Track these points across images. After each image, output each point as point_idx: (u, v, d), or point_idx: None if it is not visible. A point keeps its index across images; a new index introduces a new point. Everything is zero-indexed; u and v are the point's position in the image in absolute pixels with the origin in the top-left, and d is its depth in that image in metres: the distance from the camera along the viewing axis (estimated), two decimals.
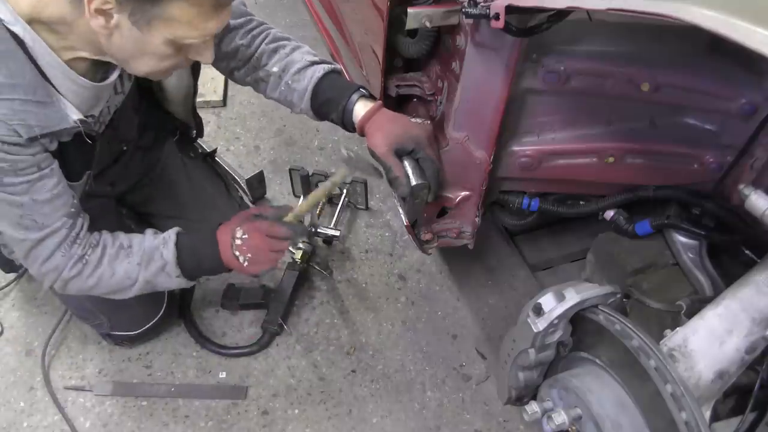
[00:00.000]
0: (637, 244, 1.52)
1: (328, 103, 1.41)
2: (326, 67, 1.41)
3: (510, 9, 1.01)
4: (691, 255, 1.46)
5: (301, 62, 1.41)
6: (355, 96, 1.38)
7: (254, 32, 1.45)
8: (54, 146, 1.18)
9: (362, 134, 1.37)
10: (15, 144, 1.11)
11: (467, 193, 1.52)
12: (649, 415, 1.03)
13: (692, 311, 1.19)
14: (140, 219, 1.87)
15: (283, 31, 1.50)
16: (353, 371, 1.82)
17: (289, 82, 1.43)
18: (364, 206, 2.18)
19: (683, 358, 1.08)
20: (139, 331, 1.76)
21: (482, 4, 1.07)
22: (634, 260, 1.50)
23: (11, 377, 1.77)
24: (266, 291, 1.92)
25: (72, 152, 1.23)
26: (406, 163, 1.32)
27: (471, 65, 1.26)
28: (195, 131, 1.82)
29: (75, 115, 1.17)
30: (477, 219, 1.57)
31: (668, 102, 1.34)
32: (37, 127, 1.12)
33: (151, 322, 1.76)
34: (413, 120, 1.40)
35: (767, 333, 1.07)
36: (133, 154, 1.64)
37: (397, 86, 1.49)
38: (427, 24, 1.23)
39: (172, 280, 1.39)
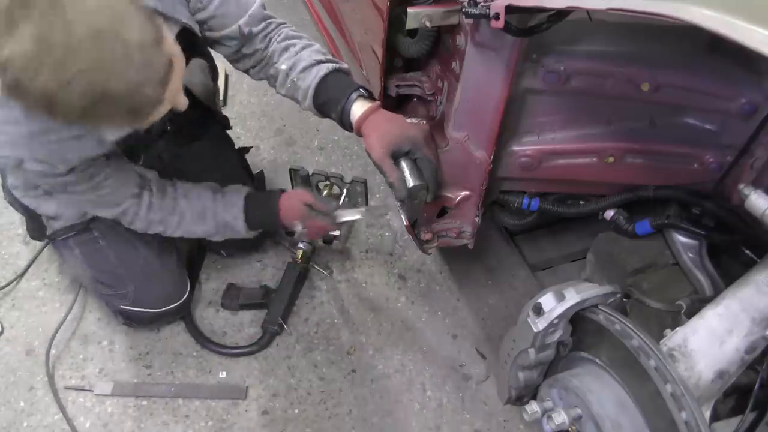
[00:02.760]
0: (637, 244, 1.52)
1: (328, 102, 1.42)
2: (330, 66, 1.42)
3: (510, 9, 1.01)
4: (691, 255, 1.46)
5: (307, 60, 1.43)
6: (354, 95, 1.39)
7: (271, 34, 1.48)
8: (103, 152, 1.29)
9: (359, 134, 1.38)
10: (59, 175, 1.26)
11: (467, 193, 1.52)
12: (649, 415, 1.03)
13: (692, 311, 1.19)
14: None
15: (297, 30, 1.53)
16: (353, 371, 1.82)
17: (295, 79, 1.45)
18: (364, 206, 2.17)
19: (683, 358, 1.08)
20: (159, 310, 1.76)
21: (482, 4, 1.07)
22: (634, 260, 1.50)
23: (11, 377, 1.77)
24: (266, 291, 1.92)
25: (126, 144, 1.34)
26: (403, 164, 1.32)
27: (471, 65, 1.26)
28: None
29: (111, 137, 1.25)
30: (477, 219, 1.57)
31: (668, 102, 1.34)
32: (74, 158, 1.24)
33: (173, 305, 1.78)
34: (410, 120, 1.40)
35: (767, 333, 1.07)
36: (178, 131, 1.74)
37: (397, 86, 1.50)
38: (427, 24, 1.23)
39: (238, 236, 1.65)
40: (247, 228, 1.61)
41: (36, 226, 1.70)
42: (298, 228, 1.62)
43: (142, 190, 1.47)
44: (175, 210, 1.53)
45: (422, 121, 1.41)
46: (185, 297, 1.80)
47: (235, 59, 1.51)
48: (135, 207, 1.47)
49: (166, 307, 1.77)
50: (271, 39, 1.48)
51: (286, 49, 1.46)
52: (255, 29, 1.44)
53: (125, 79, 0.98)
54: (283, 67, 1.46)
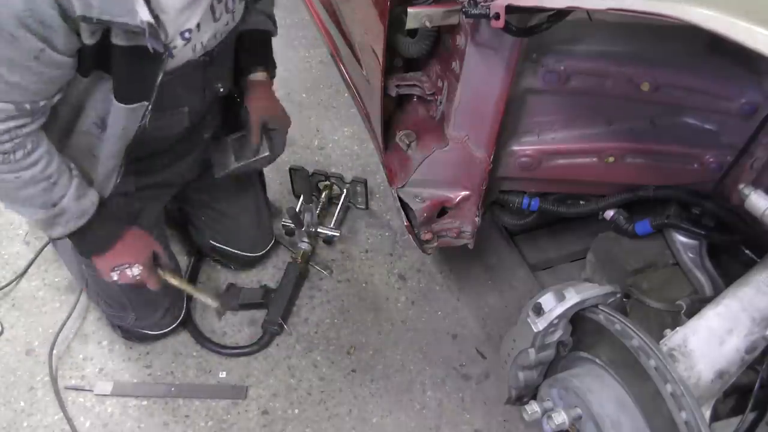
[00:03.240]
0: (637, 244, 1.52)
1: (249, 50, 1.57)
2: (270, 27, 1.57)
3: (510, 9, 1.01)
4: (691, 255, 1.46)
5: (263, 5, 1.54)
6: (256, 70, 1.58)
7: None
8: (93, 40, 1.05)
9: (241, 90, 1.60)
10: (41, 24, 0.97)
11: (467, 192, 1.52)
12: (649, 415, 1.03)
13: (692, 311, 1.19)
14: (173, 202, 1.87)
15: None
16: (353, 371, 1.82)
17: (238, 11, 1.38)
18: (364, 206, 2.17)
19: (683, 357, 1.08)
20: (158, 332, 1.79)
21: (482, 3, 1.07)
22: (634, 260, 1.50)
23: (11, 377, 1.77)
24: (266, 291, 1.92)
25: (132, 65, 1.12)
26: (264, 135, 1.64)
27: (471, 65, 1.26)
28: None
29: (145, 17, 1.03)
30: (477, 219, 1.57)
31: (668, 102, 1.34)
32: (96, 7, 0.98)
33: (171, 327, 1.80)
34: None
35: (767, 333, 1.08)
36: (209, 147, 1.69)
37: (397, 86, 1.49)
38: (427, 24, 1.23)
39: (48, 232, 1.36)
40: (74, 227, 1.34)
41: None
42: (133, 271, 1.45)
43: (33, 107, 1.13)
44: (32, 153, 1.19)
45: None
46: (182, 315, 1.82)
47: None
48: (5, 120, 1.11)
49: (164, 330, 1.79)
50: None
51: None
52: None
53: None
54: None
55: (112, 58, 1.10)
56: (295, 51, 2.73)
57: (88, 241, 1.39)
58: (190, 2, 1.15)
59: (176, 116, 1.43)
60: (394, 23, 1.31)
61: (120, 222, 1.44)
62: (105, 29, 1.06)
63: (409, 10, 1.22)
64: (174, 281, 1.57)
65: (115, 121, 1.25)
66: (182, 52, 1.23)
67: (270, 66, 1.64)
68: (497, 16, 1.03)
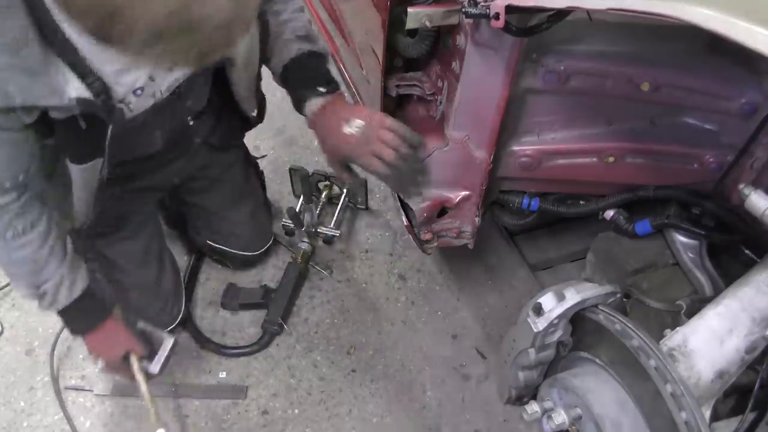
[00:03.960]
0: (637, 244, 1.52)
1: (293, 88, 1.39)
2: (304, 47, 1.35)
3: (510, 9, 1.01)
4: (691, 255, 1.46)
5: (288, 34, 1.37)
6: (312, 96, 1.35)
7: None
8: (31, 120, 1.02)
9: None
10: None
11: (467, 192, 1.52)
12: (649, 415, 1.03)
13: (692, 311, 1.19)
14: (171, 202, 1.88)
15: None
16: (353, 371, 1.82)
17: (273, 51, 1.39)
18: (364, 206, 2.18)
19: (683, 357, 1.08)
20: None
21: (482, 3, 1.07)
22: (634, 260, 1.50)
23: (11, 377, 1.77)
24: (266, 291, 1.92)
25: (74, 131, 1.08)
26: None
27: (471, 65, 1.26)
28: (255, 115, 1.68)
29: (75, 93, 1.00)
30: (477, 219, 1.57)
31: (668, 102, 1.34)
32: (17, 97, 0.96)
33: (168, 328, 1.78)
34: (349, 126, 1.29)
35: (767, 333, 1.07)
36: (201, 151, 1.60)
37: (397, 86, 1.49)
38: (427, 24, 1.23)
39: (39, 304, 1.36)
40: (55, 309, 1.35)
41: None
42: (99, 364, 1.45)
43: (13, 184, 1.13)
44: (23, 234, 1.20)
45: (358, 123, 1.29)
46: (180, 317, 1.80)
47: None
48: None
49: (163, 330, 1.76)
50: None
51: (277, 12, 1.37)
52: None
53: (223, 8, 0.77)
54: (268, 32, 1.38)
55: (55, 128, 1.08)
56: None
57: (70, 320, 1.39)
58: (128, 66, 1.08)
59: (148, 139, 1.39)
60: (394, 23, 1.31)
61: (101, 313, 1.41)
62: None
63: (409, 10, 1.22)
64: (143, 389, 1.48)
65: (74, 174, 1.24)
66: (141, 102, 1.18)
67: (323, 83, 1.36)
68: (497, 16, 1.03)
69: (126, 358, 1.45)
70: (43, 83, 0.97)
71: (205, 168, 1.70)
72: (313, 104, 1.34)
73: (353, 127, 1.26)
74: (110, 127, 1.13)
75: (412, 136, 1.29)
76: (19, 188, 1.15)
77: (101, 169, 1.25)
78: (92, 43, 0.82)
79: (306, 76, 1.37)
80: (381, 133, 1.25)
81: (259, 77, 1.53)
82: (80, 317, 1.39)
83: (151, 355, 1.50)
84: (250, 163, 1.90)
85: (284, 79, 1.40)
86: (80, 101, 1.01)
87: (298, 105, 1.39)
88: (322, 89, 1.34)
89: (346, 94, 1.40)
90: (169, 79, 1.20)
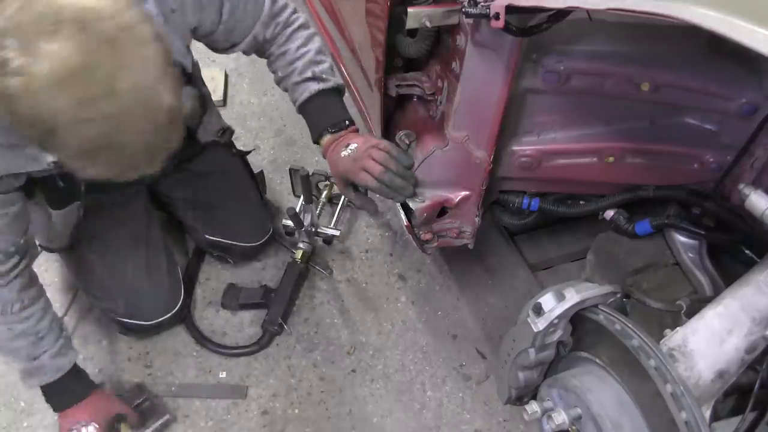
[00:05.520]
0: (637, 244, 1.52)
1: (308, 122, 1.48)
2: (317, 87, 1.43)
3: (510, 9, 1.01)
4: (691, 255, 1.46)
5: (298, 76, 1.45)
6: (325, 134, 1.44)
7: (277, 38, 1.46)
8: (19, 183, 1.18)
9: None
10: None
11: (467, 193, 1.52)
12: (649, 415, 1.03)
13: (692, 311, 1.19)
14: (161, 203, 1.90)
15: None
16: (353, 371, 1.82)
17: (287, 88, 1.49)
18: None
19: (683, 357, 1.08)
20: (152, 322, 1.76)
21: (482, 3, 1.07)
22: (634, 260, 1.50)
23: (11, 377, 1.77)
24: (266, 291, 1.92)
25: (52, 184, 1.24)
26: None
27: (471, 65, 1.26)
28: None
29: (52, 158, 1.11)
30: (477, 219, 1.57)
31: (668, 102, 1.34)
32: (2, 167, 1.12)
33: (166, 316, 1.76)
34: (345, 149, 1.40)
35: (767, 333, 1.07)
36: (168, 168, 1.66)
37: (397, 86, 1.49)
38: (427, 24, 1.23)
39: (24, 380, 1.48)
40: (48, 380, 1.47)
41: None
42: (88, 429, 1.51)
43: (23, 251, 1.30)
44: (25, 309, 1.36)
45: (352, 147, 1.39)
46: (178, 306, 1.79)
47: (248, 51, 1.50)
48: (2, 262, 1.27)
49: (159, 319, 1.76)
50: (274, 42, 1.46)
51: (282, 54, 1.46)
52: (264, 36, 1.43)
53: (144, 139, 0.92)
54: (279, 74, 1.48)
55: (36, 185, 1.24)
56: None
57: (57, 395, 1.50)
58: None
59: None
60: (394, 23, 1.31)
61: (89, 384, 1.54)
62: None
63: (409, 10, 1.22)
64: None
65: (54, 218, 1.41)
66: None
67: (332, 123, 1.45)
68: (497, 16, 1.03)
69: (114, 427, 1.54)
70: (22, 156, 1.12)
71: (185, 161, 1.75)
72: (325, 140, 1.45)
73: (348, 149, 1.38)
74: (83, 183, 1.30)
75: (400, 155, 1.37)
76: (20, 251, 1.30)
77: (78, 209, 1.42)
78: None
79: (318, 116, 1.46)
80: (371, 152, 1.36)
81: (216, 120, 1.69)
82: (72, 385, 1.49)
83: (144, 424, 1.62)
84: (235, 154, 1.93)
85: (302, 114, 1.49)
86: (56, 165, 1.13)
87: (314, 138, 1.48)
88: (332, 130, 1.44)
89: (358, 130, 1.48)
90: None
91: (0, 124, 1.02)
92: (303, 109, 1.47)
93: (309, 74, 1.44)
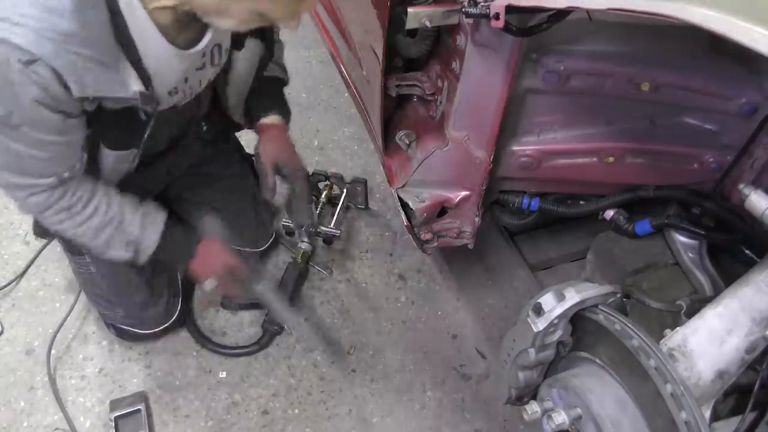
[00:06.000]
0: (637, 244, 1.53)
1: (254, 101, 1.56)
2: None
3: (510, 9, 1.01)
4: (691, 255, 1.46)
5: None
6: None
7: None
8: (93, 107, 1.14)
9: (255, 131, 1.59)
10: (55, 101, 1.06)
11: (467, 192, 1.52)
12: (649, 415, 1.03)
13: (692, 311, 1.19)
14: (169, 204, 1.87)
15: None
16: (353, 371, 1.82)
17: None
18: (364, 206, 2.18)
19: (683, 357, 1.08)
20: (149, 332, 1.78)
21: (482, 3, 1.07)
22: (634, 260, 1.50)
23: (11, 377, 1.77)
24: None
25: (114, 120, 1.20)
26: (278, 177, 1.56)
27: (471, 65, 1.26)
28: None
29: (136, 87, 1.13)
30: (477, 219, 1.57)
31: (668, 102, 1.34)
32: (91, 88, 1.08)
33: (162, 327, 1.78)
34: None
35: (767, 333, 1.07)
36: (194, 147, 1.65)
37: (397, 86, 1.49)
38: (427, 24, 1.23)
39: (135, 262, 1.44)
40: (153, 253, 1.43)
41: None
42: (208, 284, 1.48)
43: (72, 172, 1.25)
44: (89, 202, 1.31)
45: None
46: (176, 316, 1.80)
47: None
48: (54, 188, 1.24)
49: (157, 329, 1.77)
50: None
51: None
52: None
53: None
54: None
55: (104, 117, 1.18)
56: (295, 51, 2.73)
57: (170, 260, 1.51)
58: (177, 67, 1.22)
59: (160, 137, 1.45)
60: (394, 23, 1.31)
61: (193, 239, 1.48)
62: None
63: (409, 10, 1.22)
64: (259, 296, 1.53)
65: (104, 161, 1.33)
66: (169, 101, 1.30)
67: (284, 111, 1.60)
68: (497, 16, 1.03)
69: (231, 276, 1.48)
70: (113, 77, 1.10)
71: (199, 165, 1.73)
72: (270, 118, 1.56)
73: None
74: (153, 119, 1.25)
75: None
76: (76, 173, 1.26)
77: (133, 158, 1.36)
78: (156, 45, 1.10)
79: (270, 97, 1.58)
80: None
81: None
82: (177, 246, 1.46)
83: (253, 274, 1.54)
84: (245, 159, 1.91)
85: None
86: (141, 94, 1.14)
87: (253, 117, 1.57)
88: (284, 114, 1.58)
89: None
90: (195, 84, 1.33)
91: (101, 38, 1.04)
92: (261, 82, 1.55)
93: (281, 61, 1.60)
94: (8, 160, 1.18)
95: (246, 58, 1.47)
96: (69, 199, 1.27)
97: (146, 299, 1.71)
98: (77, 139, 1.21)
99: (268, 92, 1.59)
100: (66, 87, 1.05)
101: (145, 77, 1.14)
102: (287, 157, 1.56)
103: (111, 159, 1.33)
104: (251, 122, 1.60)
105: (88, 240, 1.36)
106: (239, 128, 1.77)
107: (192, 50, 1.20)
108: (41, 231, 1.65)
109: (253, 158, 1.81)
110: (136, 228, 1.39)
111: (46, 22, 0.98)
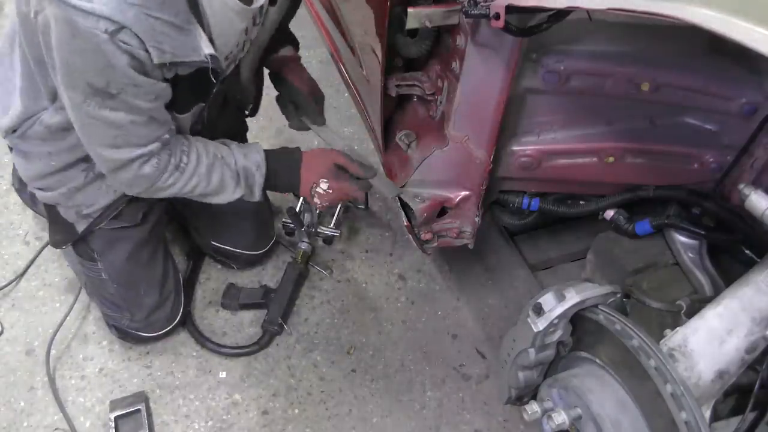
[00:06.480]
0: (637, 244, 1.53)
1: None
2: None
3: (510, 9, 1.01)
4: (691, 255, 1.46)
5: None
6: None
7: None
8: (171, 75, 1.17)
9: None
10: (143, 66, 1.10)
11: (467, 192, 1.52)
12: (649, 415, 1.03)
13: (692, 311, 1.19)
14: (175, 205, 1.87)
15: None
16: (353, 371, 1.82)
17: None
18: (364, 206, 2.18)
19: (683, 357, 1.08)
20: (153, 334, 1.78)
21: (482, 3, 1.07)
22: (634, 260, 1.50)
23: (11, 377, 1.77)
24: (266, 291, 1.92)
25: (187, 85, 1.23)
26: None
27: (471, 65, 1.26)
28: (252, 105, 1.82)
29: (207, 50, 1.16)
30: (477, 219, 1.57)
31: (668, 102, 1.34)
32: (169, 53, 1.10)
33: (167, 329, 1.78)
34: None
35: (767, 333, 1.08)
36: (219, 114, 1.64)
37: (397, 86, 1.49)
38: (428, 24, 1.23)
39: (251, 197, 1.49)
40: (265, 180, 1.47)
41: (61, 228, 1.58)
42: (321, 187, 1.48)
43: (170, 133, 1.31)
44: (190, 153, 1.36)
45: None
46: (180, 316, 1.80)
47: None
48: (160, 152, 1.29)
49: (162, 331, 1.78)
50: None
51: None
52: None
53: None
54: None
55: (177, 81, 1.21)
56: None
57: (279, 178, 1.50)
58: (238, 26, 1.26)
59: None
60: (394, 23, 1.31)
61: (294, 151, 1.52)
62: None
63: (409, 10, 1.22)
64: (377, 186, 1.53)
65: (177, 123, 1.36)
66: (226, 67, 1.35)
67: (295, 42, 1.69)
68: (497, 16, 1.03)
69: (339, 170, 1.50)
70: (188, 41, 1.13)
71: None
72: (289, 50, 1.63)
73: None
74: (219, 79, 1.28)
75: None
76: (172, 133, 1.31)
77: (202, 111, 1.42)
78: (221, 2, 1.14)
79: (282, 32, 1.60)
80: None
81: (262, 63, 1.65)
82: (282, 160, 1.49)
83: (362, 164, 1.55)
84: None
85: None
86: (212, 57, 1.17)
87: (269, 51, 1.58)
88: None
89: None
90: (241, 46, 1.35)
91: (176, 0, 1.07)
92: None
93: None
94: (114, 136, 1.21)
95: (271, 19, 1.46)
96: (175, 157, 1.32)
97: (155, 303, 1.72)
98: (165, 102, 1.24)
99: (278, 30, 1.58)
100: (147, 52, 1.08)
101: (211, 39, 1.17)
102: (314, 84, 1.67)
103: (180, 121, 1.36)
104: (265, 55, 1.62)
105: (203, 188, 1.39)
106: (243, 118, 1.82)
107: (253, 6, 1.23)
108: (63, 236, 1.61)
109: (278, 95, 1.79)
110: (240, 157, 1.43)
111: None
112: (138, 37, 1.05)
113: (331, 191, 1.49)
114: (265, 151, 1.48)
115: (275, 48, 1.63)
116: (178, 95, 1.25)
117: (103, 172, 1.35)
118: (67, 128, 1.32)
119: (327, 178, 1.48)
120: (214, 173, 1.39)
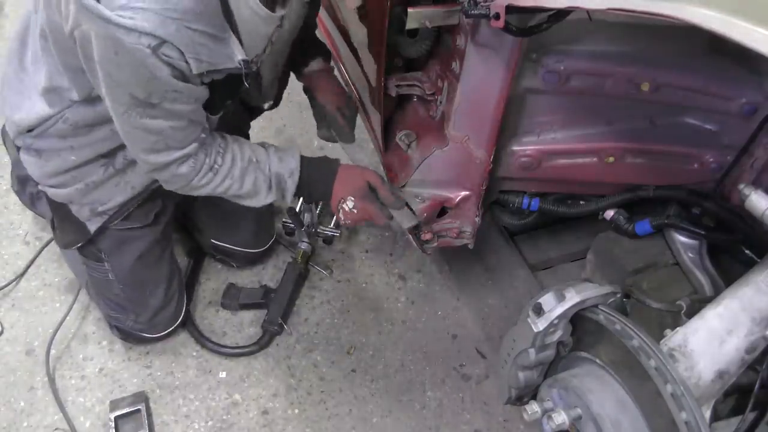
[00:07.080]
0: (637, 244, 1.53)
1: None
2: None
3: (510, 9, 1.01)
4: (691, 255, 1.46)
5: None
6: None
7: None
8: (208, 80, 1.20)
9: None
10: (184, 76, 1.13)
11: (467, 193, 1.52)
12: (649, 415, 1.03)
13: (692, 311, 1.19)
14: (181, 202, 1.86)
15: None
16: (353, 371, 1.82)
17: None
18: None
19: (683, 358, 1.08)
20: (156, 335, 1.78)
21: (482, 3, 1.07)
22: (634, 260, 1.50)
23: (11, 377, 1.77)
24: (266, 291, 1.92)
25: (219, 87, 1.25)
26: None
27: (471, 65, 1.26)
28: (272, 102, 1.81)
29: (240, 56, 1.18)
30: (477, 219, 1.57)
31: (668, 102, 1.34)
32: (206, 63, 1.13)
33: (170, 329, 1.79)
34: None
35: (767, 333, 1.07)
36: (234, 113, 1.64)
37: (397, 86, 1.49)
38: (427, 24, 1.23)
39: (283, 202, 1.52)
40: (298, 187, 1.47)
41: (71, 227, 1.55)
42: (347, 204, 1.48)
43: (206, 133, 1.34)
44: (225, 154, 1.37)
45: None
46: (182, 316, 1.81)
47: None
48: (197, 153, 1.31)
49: (164, 332, 1.78)
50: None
51: None
52: None
53: None
54: None
55: (212, 86, 1.24)
56: None
57: (311, 189, 1.50)
58: (264, 32, 1.28)
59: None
60: (394, 23, 1.31)
61: (331, 164, 1.52)
62: None
63: (409, 10, 1.22)
64: (400, 222, 1.51)
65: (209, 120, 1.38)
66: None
67: (326, 54, 1.70)
68: (497, 16, 1.03)
69: (369, 191, 1.49)
70: (223, 50, 1.16)
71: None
72: (319, 63, 1.65)
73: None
74: (249, 81, 1.29)
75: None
76: (208, 133, 1.34)
77: (229, 105, 1.42)
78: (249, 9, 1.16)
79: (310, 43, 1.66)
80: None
81: (286, 67, 1.66)
82: (318, 170, 1.49)
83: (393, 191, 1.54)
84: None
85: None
86: (245, 62, 1.20)
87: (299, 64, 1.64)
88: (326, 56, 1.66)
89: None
90: (262, 53, 1.36)
91: (212, 10, 1.10)
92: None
93: None
94: (154, 141, 1.24)
95: (291, 21, 1.45)
96: (211, 157, 1.34)
97: (160, 304, 1.72)
98: (202, 103, 1.27)
99: (307, 41, 1.62)
100: (187, 63, 1.11)
101: (243, 48, 1.20)
102: (344, 97, 1.68)
103: (211, 122, 1.38)
104: (296, 69, 1.67)
105: (236, 190, 1.41)
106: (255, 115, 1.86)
107: (277, 12, 1.25)
108: (73, 236, 1.60)
109: (312, 108, 1.81)
110: (275, 162, 1.43)
111: (168, 2, 1.03)
112: (179, 49, 1.07)
113: (356, 210, 1.48)
114: (303, 158, 1.48)
115: (305, 61, 1.65)
116: (212, 97, 1.27)
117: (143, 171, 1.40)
118: (93, 124, 1.35)
119: (355, 197, 1.48)
120: (247, 177, 1.40)
